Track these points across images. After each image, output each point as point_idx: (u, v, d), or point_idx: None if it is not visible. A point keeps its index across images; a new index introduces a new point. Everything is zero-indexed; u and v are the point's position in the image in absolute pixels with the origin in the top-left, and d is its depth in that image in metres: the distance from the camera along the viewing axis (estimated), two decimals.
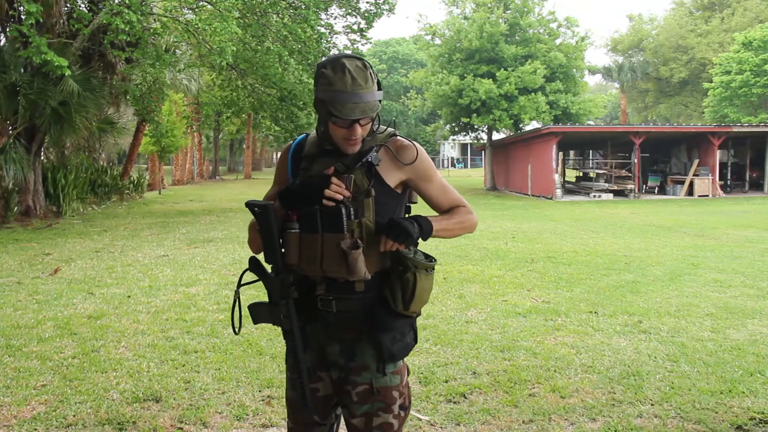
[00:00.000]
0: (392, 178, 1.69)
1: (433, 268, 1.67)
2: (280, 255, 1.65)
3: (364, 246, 1.60)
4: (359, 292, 1.67)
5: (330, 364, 1.74)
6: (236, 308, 1.76)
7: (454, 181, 34.90)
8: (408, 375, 1.79)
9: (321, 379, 1.75)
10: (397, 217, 1.66)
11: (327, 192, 1.58)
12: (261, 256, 1.76)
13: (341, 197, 1.60)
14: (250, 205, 1.63)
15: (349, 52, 16.24)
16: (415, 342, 1.75)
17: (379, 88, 1.62)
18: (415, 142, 1.73)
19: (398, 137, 1.73)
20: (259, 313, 1.76)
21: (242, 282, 1.77)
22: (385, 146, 1.68)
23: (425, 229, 1.65)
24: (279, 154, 1.99)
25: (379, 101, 1.62)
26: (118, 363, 3.96)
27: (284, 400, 3.35)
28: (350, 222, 1.60)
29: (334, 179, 1.59)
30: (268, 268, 1.71)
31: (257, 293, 4.76)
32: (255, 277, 1.74)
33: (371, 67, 1.63)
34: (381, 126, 1.75)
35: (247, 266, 1.75)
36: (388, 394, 1.70)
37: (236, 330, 1.78)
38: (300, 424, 1.81)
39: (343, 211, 1.59)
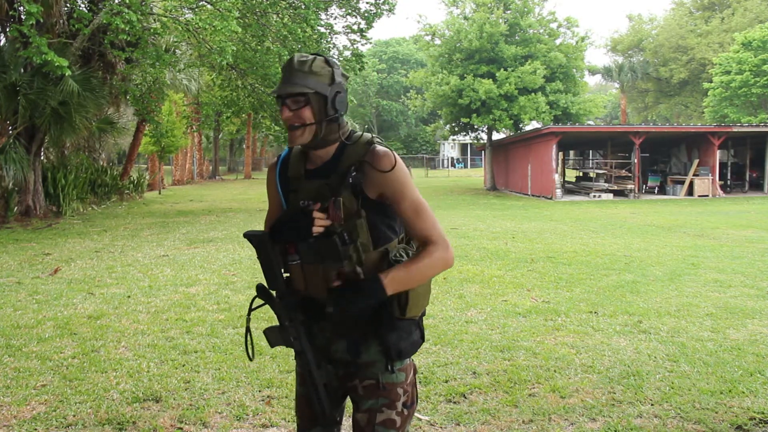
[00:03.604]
0: (373, 191, 1.67)
1: None
2: (282, 280, 1.67)
3: (363, 268, 1.63)
4: None
5: (336, 362, 1.76)
6: (248, 334, 1.78)
7: (454, 181, 34.89)
8: (415, 374, 1.81)
9: (329, 370, 1.78)
10: (343, 289, 1.62)
11: (314, 230, 1.59)
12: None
13: (326, 226, 1.61)
14: (248, 236, 1.66)
15: (348, 53, 16.27)
16: (423, 340, 1.77)
17: (333, 82, 1.62)
18: (393, 152, 1.66)
19: (376, 146, 1.67)
20: (273, 336, 1.79)
21: (252, 307, 1.81)
22: (364, 161, 1.63)
23: (376, 294, 1.59)
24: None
25: (324, 95, 1.61)
26: (118, 363, 3.96)
27: (284, 400, 3.37)
28: (346, 248, 1.60)
29: (315, 213, 1.60)
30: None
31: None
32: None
33: (330, 64, 1.64)
34: (359, 132, 1.72)
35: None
36: (392, 391, 1.71)
37: (251, 356, 1.82)
38: (306, 419, 1.84)
39: (338, 240, 1.58)
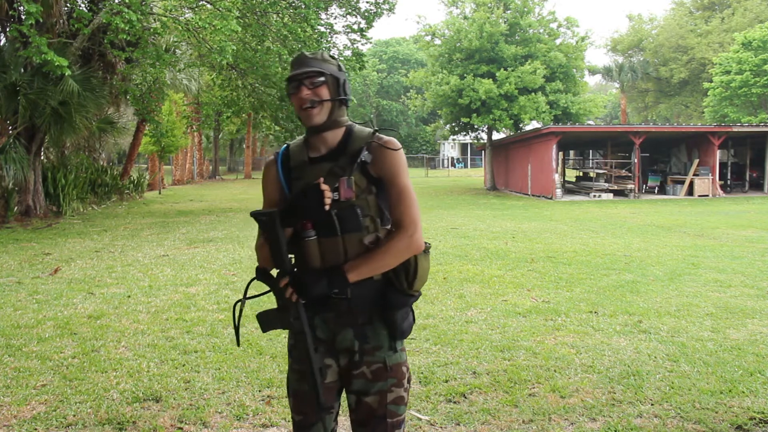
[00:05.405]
0: (377, 171, 1.77)
1: (428, 250, 1.78)
2: (288, 260, 1.72)
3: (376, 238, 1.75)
4: (376, 280, 1.76)
5: (339, 352, 1.80)
6: (239, 319, 1.84)
7: (454, 181, 34.89)
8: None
9: (329, 366, 1.82)
10: (307, 275, 1.70)
11: (326, 201, 1.66)
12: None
13: (344, 200, 1.69)
14: (255, 215, 1.70)
15: (348, 52, 16.27)
16: (414, 321, 1.87)
17: (340, 69, 1.79)
18: (396, 141, 1.79)
19: (380, 134, 1.79)
20: (268, 320, 1.82)
21: (247, 295, 1.86)
22: (373, 142, 1.76)
23: (336, 283, 1.69)
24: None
25: (337, 77, 1.77)
26: (118, 363, 3.96)
27: (284, 400, 3.36)
28: (364, 219, 1.72)
29: (323, 186, 1.67)
30: (274, 273, 1.78)
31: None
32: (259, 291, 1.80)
33: (332, 56, 1.82)
34: (361, 127, 1.83)
35: (251, 274, 1.81)
36: (398, 370, 1.80)
37: (239, 342, 1.89)
38: (307, 414, 1.84)
39: (359, 210, 1.70)
